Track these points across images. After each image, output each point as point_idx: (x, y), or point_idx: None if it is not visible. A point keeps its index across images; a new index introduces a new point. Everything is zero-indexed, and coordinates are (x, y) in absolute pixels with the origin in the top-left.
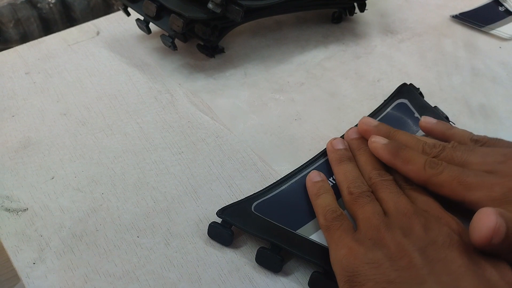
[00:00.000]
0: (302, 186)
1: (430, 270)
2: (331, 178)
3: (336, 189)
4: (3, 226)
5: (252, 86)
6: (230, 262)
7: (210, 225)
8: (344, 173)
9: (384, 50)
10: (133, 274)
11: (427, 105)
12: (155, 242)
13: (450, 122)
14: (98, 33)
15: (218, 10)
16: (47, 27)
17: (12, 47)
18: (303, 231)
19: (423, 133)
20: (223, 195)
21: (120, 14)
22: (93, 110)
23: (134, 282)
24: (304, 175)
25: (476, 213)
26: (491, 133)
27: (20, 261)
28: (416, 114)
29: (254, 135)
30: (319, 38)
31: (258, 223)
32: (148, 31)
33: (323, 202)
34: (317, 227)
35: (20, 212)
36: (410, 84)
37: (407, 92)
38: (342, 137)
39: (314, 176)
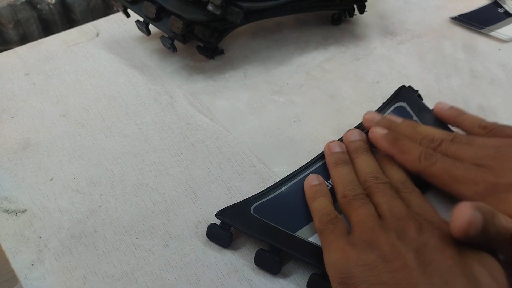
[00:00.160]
0: (301, 188)
1: (423, 272)
2: (329, 180)
3: (334, 191)
4: (2, 227)
5: (252, 87)
6: (228, 264)
7: (209, 226)
8: (339, 176)
9: (383, 51)
10: (131, 275)
11: (425, 108)
12: (153, 243)
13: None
14: (97, 35)
15: (218, 12)
16: (47, 28)
17: (11, 48)
18: (301, 233)
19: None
20: (222, 196)
21: (120, 15)
22: (92, 111)
23: (133, 283)
24: (303, 177)
25: (455, 207)
26: None
27: (18, 262)
28: (415, 118)
29: (253, 137)
30: (319, 39)
31: (257, 225)
32: (148, 32)
33: (318, 205)
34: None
35: (19, 213)
36: (409, 86)
37: (406, 95)
38: (342, 139)
39: (312, 180)
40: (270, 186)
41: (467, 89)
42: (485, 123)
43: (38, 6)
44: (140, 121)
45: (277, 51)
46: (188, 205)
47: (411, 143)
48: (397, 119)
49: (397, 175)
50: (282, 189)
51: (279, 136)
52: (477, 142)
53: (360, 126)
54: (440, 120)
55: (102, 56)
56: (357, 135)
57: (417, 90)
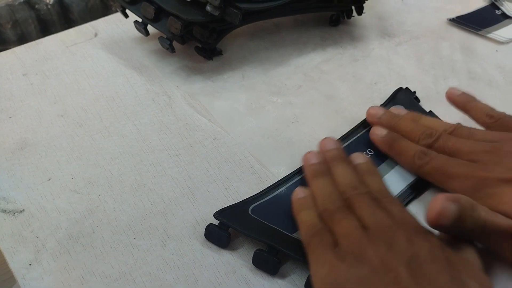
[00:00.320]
0: None
1: (416, 285)
2: None
3: None
4: None
5: (250, 88)
6: (226, 264)
7: (207, 227)
8: (318, 189)
9: (381, 53)
10: (129, 275)
11: (422, 110)
12: (151, 243)
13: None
14: (96, 35)
15: (216, 13)
16: (45, 28)
17: (9, 48)
18: (299, 234)
19: None
20: (220, 197)
21: (118, 16)
22: (90, 111)
23: (131, 283)
24: (301, 178)
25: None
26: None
27: (16, 262)
28: None
29: (252, 138)
30: (317, 41)
31: (255, 225)
32: (146, 33)
33: (304, 217)
34: None
35: (17, 213)
36: (406, 88)
37: (403, 98)
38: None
39: (299, 193)
40: (268, 187)
41: (465, 90)
42: (493, 112)
43: (36, 6)
44: (138, 122)
45: (275, 52)
46: (186, 206)
47: (407, 143)
48: (401, 112)
49: (375, 185)
50: (280, 190)
51: (277, 137)
52: (476, 136)
53: (362, 124)
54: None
55: (101, 56)
56: (332, 144)
57: (414, 92)
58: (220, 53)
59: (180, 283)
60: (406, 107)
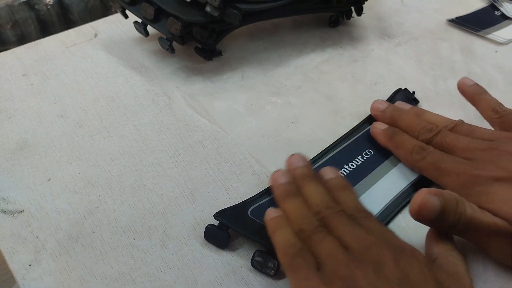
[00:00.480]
0: None
1: None
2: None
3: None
4: None
5: (250, 89)
6: (226, 265)
7: (207, 227)
8: (291, 210)
9: (381, 53)
10: (129, 276)
11: None
12: (151, 244)
13: None
14: (96, 35)
15: (216, 14)
16: (45, 29)
17: (9, 48)
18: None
19: None
20: (219, 197)
21: (118, 16)
22: (90, 112)
23: (130, 284)
24: None
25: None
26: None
27: (16, 263)
28: None
29: (251, 138)
30: (317, 41)
31: (255, 227)
32: (146, 33)
33: (280, 238)
34: None
35: (16, 213)
36: (405, 89)
37: (402, 98)
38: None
39: (271, 213)
40: (267, 188)
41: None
42: (499, 108)
43: (36, 6)
44: (138, 122)
45: (275, 52)
46: (185, 206)
47: (406, 137)
48: (404, 107)
49: (349, 201)
50: None
51: (277, 137)
52: (476, 133)
53: (361, 125)
54: None
55: (100, 57)
56: (300, 161)
57: (413, 92)
58: (219, 53)
59: (180, 284)
60: None
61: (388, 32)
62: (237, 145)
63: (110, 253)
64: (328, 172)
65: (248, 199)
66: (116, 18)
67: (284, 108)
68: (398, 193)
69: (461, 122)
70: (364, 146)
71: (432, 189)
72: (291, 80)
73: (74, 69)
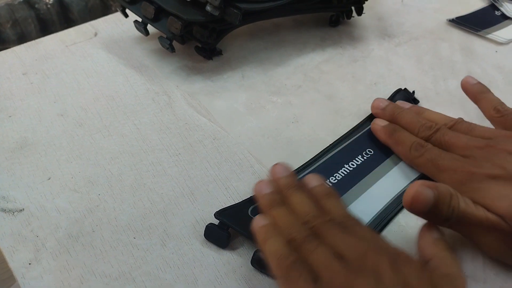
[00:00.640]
0: None
1: None
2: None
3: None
4: None
5: (250, 88)
6: (226, 264)
7: (207, 226)
8: (279, 218)
9: (381, 53)
10: (129, 275)
11: None
12: (151, 243)
13: None
14: (96, 34)
15: (216, 13)
16: (45, 28)
17: (9, 47)
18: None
19: None
20: (219, 197)
21: (118, 15)
22: (90, 111)
23: (130, 283)
24: (300, 178)
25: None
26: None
27: (15, 261)
28: None
29: (251, 137)
30: (317, 41)
31: None
32: (146, 33)
33: (271, 248)
34: None
35: (16, 212)
36: (405, 89)
37: (401, 99)
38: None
39: (259, 221)
40: None
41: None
42: (501, 107)
43: (36, 5)
44: (138, 121)
45: (275, 52)
46: (186, 205)
47: (406, 134)
48: (405, 105)
49: (335, 209)
50: None
51: (277, 136)
52: (475, 131)
53: (361, 125)
54: None
55: (100, 56)
56: (283, 171)
57: (413, 92)
58: (220, 53)
59: (180, 283)
60: None
61: (388, 32)
62: (237, 145)
63: (110, 252)
64: (313, 180)
65: (248, 198)
66: (116, 17)
67: (284, 108)
68: (398, 193)
69: (460, 120)
70: (365, 145)
71: (427, 182)
72: (292, 80)
73: (74, 68)
